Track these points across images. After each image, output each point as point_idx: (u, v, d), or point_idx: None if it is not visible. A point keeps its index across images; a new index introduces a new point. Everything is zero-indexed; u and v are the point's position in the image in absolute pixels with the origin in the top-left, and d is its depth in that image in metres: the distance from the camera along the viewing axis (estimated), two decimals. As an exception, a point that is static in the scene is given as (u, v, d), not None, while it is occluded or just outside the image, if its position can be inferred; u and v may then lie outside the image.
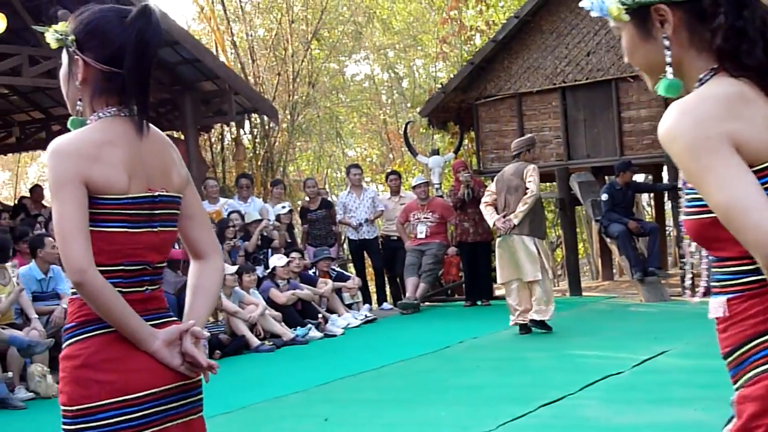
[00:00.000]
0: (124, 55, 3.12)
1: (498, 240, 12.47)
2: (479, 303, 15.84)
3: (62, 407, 3.13)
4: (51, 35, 3.25)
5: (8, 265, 11.37)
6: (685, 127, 2.27)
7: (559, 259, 28.22)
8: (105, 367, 3.06)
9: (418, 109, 22.36)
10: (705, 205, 2.29)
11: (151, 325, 3.15)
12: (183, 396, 3.20)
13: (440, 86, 20.47)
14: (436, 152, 18.78)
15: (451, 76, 21.29)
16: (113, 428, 3.05)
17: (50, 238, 11.89)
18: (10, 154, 28.29)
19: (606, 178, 17.30)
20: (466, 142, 19.94)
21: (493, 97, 17.97)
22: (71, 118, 3.26)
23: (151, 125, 3.24)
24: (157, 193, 3.19)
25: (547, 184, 19.33)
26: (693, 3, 2.43)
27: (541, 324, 12.11)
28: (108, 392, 3.04)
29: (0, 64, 15.00)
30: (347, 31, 29.85)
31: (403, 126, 21.58)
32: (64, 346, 3.15)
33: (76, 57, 3.20)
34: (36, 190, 19.32)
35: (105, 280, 3.03)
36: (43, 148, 23.26)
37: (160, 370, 3.12)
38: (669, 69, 2.46)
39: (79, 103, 3.25)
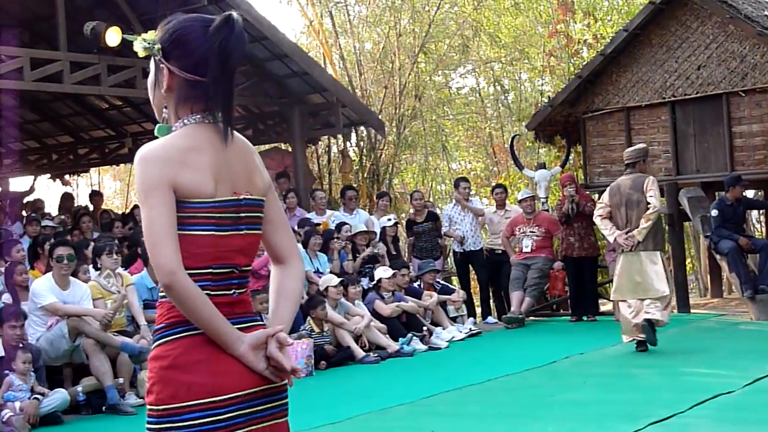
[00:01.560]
0: (208, 64, 3.19)
1: (621, 257, 12.11)
2: (585, 318, 15.70)
3: (148, 406, 3.18)
4: (139, 44, 3.33)
5: (121, 271, 11.59)
6: None
7: (665, 276, 27.81)
8: (193, 369, 3.13)
9: (524, 123, 22.26)
10: None
11: (238, 327, 3.21)
12: (268, 399, 3.26)
13: (547, 100, 20.35)
14: (542, 166, 18.67)
15: (558, 89, 21.17)
16: (199, 429, 3.11)
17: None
18: (122, 165, 28.83)
19: (716, 193, 17.02)
20: (572, 156, 19.81)
21: (601, 110, 17.83)
22: (158, 125, 3.33)
23: (234, 131, 3.31)
24: (242, 197, 3.25)
25: (662, 199, 19.06)
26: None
27: (652, 327, 11.71)
28: (195, 393, 3.10)
29: (114, 77, 15.30)
30: (454, 45, 29.83)
31: (510, 139, 21.49)
32: (153, 347, 3.24)
33: (161, 65, 3.27)
34: (146, 200, 19.62)
35: (193, 283, 3.10)
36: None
37: (246, 374, 3.18)
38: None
39: (164, 110, 3.32)
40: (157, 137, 3.24)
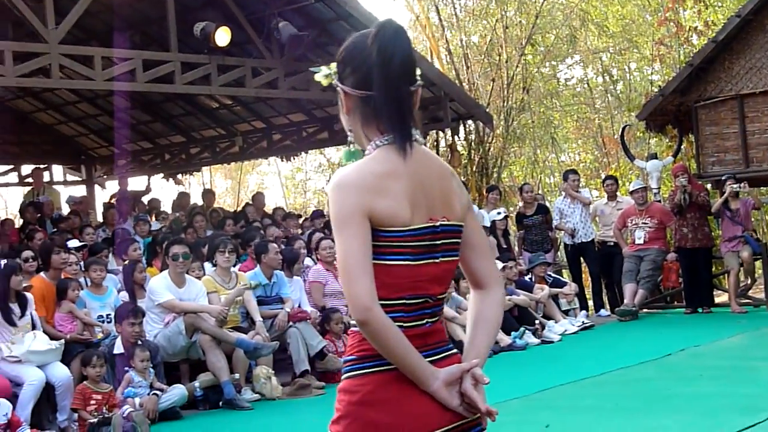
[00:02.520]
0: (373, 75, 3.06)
1: None
2: (700, 310, 15.46)
3: None
4: (319, 75, 3.24)
5: (234, 269, 11.76)
6: None
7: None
8: (383, 408, 3.01)
9: (633, 113, 22.01)
10: None
11: (431, 360, 3.06)
12: None
13: (657, 89, 20.09)
14: (654, 156, 18.43)
15: (668, 78, 20.88)
16: None
17: (274, 245, 12.23)
18: (233, 163, 29.19)
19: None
20: (684, 145, 19.51)
21: (714, 99, 17.53)
22: (344, 150, 3.26)
23: (430, 152, 3.20)
24: (438, 223, 3.09)
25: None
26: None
27: None
28: None
29: (224, 76, 15.49)
30: (561, 35, 29.62)
31: (620, 130, 21.27)
32: (343, 378, 3.14)
33: (338, 88, 3.18)
34: (257, 198, 19.91)
35: (388, 318, 2.96)
36: (264, 156, 23.99)
37: (438, 413, 3.03)
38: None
39: (349, 133, 3.20)
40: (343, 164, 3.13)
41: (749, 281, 16.38)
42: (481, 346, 3.20)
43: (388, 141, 3.08)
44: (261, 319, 11.32)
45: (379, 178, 3.01)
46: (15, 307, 9.91)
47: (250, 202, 19.85)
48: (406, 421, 2.99)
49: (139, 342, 10.17)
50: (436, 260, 3.09)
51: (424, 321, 3.09)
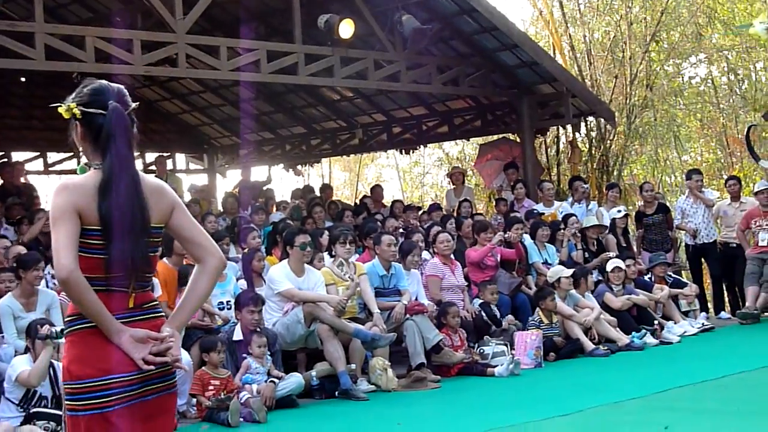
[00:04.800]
0: None
1: None
2: (825, 316, 15.11)
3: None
4: None
5: (352, 259, 11.81)
6: None
7: None
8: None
9: (759, 113, 21.57)
10: None
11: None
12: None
13: (786, 89, 19.67)
14: (779, 157, 18.05)
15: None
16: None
17: (388, 236, 12.27)
18: (352, 155, 29.34)
19: None
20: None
21: None
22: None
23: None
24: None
25: None
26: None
27: None
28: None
29: (347, 68, 15.58)
30: (686, 33, 29.13)
31: (745, 130, 20.86)
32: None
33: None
34: (376, 190, 19.99)
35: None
36: (384, 149, 24.09)
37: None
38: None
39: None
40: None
41: None
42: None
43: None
44: (378, 311, 11.37)
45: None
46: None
47: (368, 195, 19.94)
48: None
49: (257, 330, 10.29)
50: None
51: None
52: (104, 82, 4.15)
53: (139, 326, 4.03)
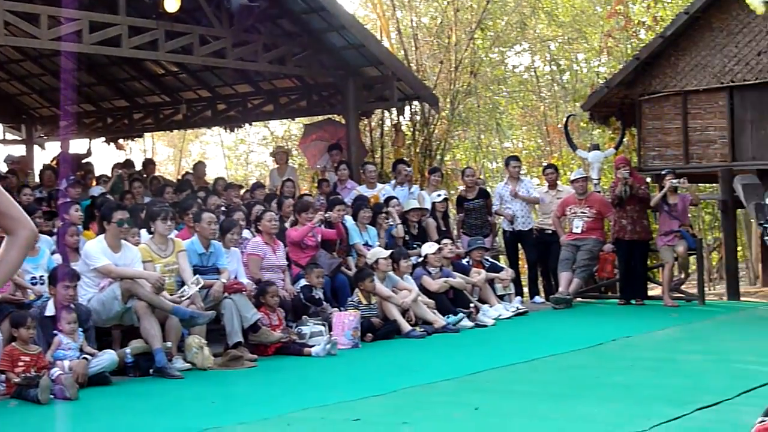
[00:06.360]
0: None
1: None
2: (633, 302, 15.62)
3: None
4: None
5: (171, 236, 11.66)
6: None
7: (714, 263, 27.71)
8: None
9: (579, 103, 22.14)
10: None
11: None
12: None
13: (603, 81, 20.21)
14: (596, 147, 18.56)
15: (615, 71, 21.03)
16: None
17: (208, 214, 12.15)
18: (176, 131, 29.02)
19: (772, 181, 16.84)
20: (627, 138, 19.66)
21: (658, 93, 17.69)
22: None
23: None
24: None
25: (708, 185, 18.92)
26: None
27: None
28: None
29: (171, 43, 15.37)
30: (511, 22, 29.69)
31: (564, 119, 21.39)
32: None
33: None
34: (198, 167, 19.80)
35: None
36: (208, 125, 23.91)
37: None
38: None
39: None
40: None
41: (683, 276, 16.58)
42: None
43: None
44: (195, 286, 11.22)
45: None
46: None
47: (191, 171, 19.73)
48: None
49: (70, 305, 10.07)
50: None
51: None
52: None
53: None
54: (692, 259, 16.12)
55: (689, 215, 16.69)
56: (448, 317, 13.42)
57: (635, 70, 17.84)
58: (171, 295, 11.00)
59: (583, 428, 7.37)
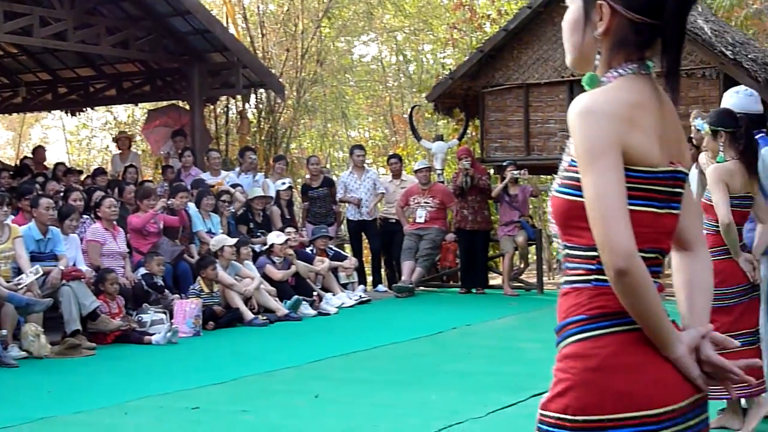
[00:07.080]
0: (666, 3, 2.63)
1: None
2: (474, 291, 15.85)
3: (556, 414, 2.68)
4: None
5: (7, 222, 11.37)
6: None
7: (555, 253, 28.25)
8: (625, 374, 2.57)
9: (424, 94, 22.35)
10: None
11: None
12: (693, 414, 2.65)
13: (448, 72, 20.43)
14: (440, 138, 18.77)
15: (460, 62, 21.28)
16: None
17: (46, 200, 11.89)
18: (15, 114, 28.26)
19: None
20: (470, 129, 19.92)
21: (501, 86, 17.94)
22: (589, 74, 2.79)
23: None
24: (678, 168, 2.70)
25: (549, 176, 19.26)
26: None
27: None
28: (624, 405, 2.55)
29: (11, 23, 14.98)
30: (358, 11, 29.80)
31: (409, 110, 21.58)
32: (568, 342, 2.75)
33: (599, 2, 2.68)
34: (38, 151, 19.40)
35: (647, 270, 2.54)
36: (49, 109, 23.34)
37: (680, 384, 2.61)
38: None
39: (597, 56, 2.75)
40: (584, 89, 2.73)
41: (523, 265, 16.90)
42: (704, 313, 2.77)
43: (633, 71, 2.69)
44: (34, 275, 10.99)
45: (631, 109, 2.62)
46: None
47: (30, 156, 19.29)
48: (647, 392, 2.57)
49: None
50: (673, 211, 2.71)
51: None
52: None
53: None
54: (532, 249, 16.44)
55: (530, 206, 17.00)
56: (284, 302, 13.39)
57: (479, 62, 18.06)
58: (7, 282, 10.75)
59: (422, 415, 7.46)
